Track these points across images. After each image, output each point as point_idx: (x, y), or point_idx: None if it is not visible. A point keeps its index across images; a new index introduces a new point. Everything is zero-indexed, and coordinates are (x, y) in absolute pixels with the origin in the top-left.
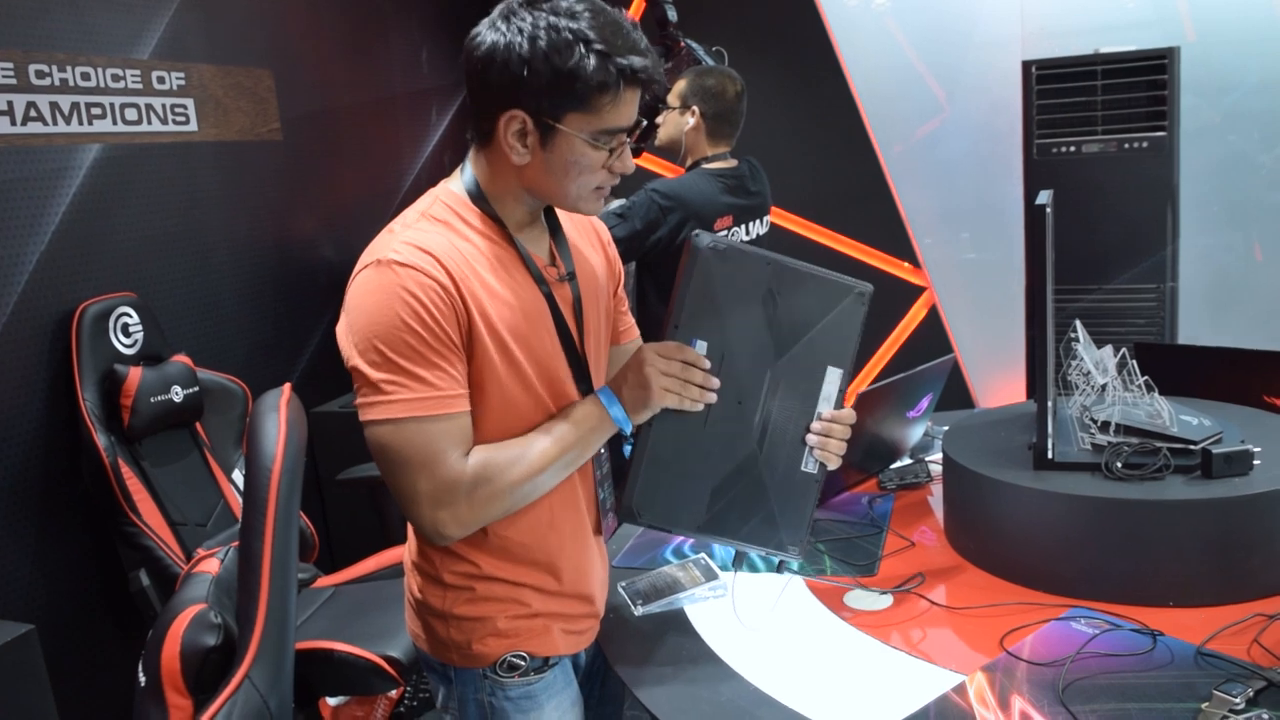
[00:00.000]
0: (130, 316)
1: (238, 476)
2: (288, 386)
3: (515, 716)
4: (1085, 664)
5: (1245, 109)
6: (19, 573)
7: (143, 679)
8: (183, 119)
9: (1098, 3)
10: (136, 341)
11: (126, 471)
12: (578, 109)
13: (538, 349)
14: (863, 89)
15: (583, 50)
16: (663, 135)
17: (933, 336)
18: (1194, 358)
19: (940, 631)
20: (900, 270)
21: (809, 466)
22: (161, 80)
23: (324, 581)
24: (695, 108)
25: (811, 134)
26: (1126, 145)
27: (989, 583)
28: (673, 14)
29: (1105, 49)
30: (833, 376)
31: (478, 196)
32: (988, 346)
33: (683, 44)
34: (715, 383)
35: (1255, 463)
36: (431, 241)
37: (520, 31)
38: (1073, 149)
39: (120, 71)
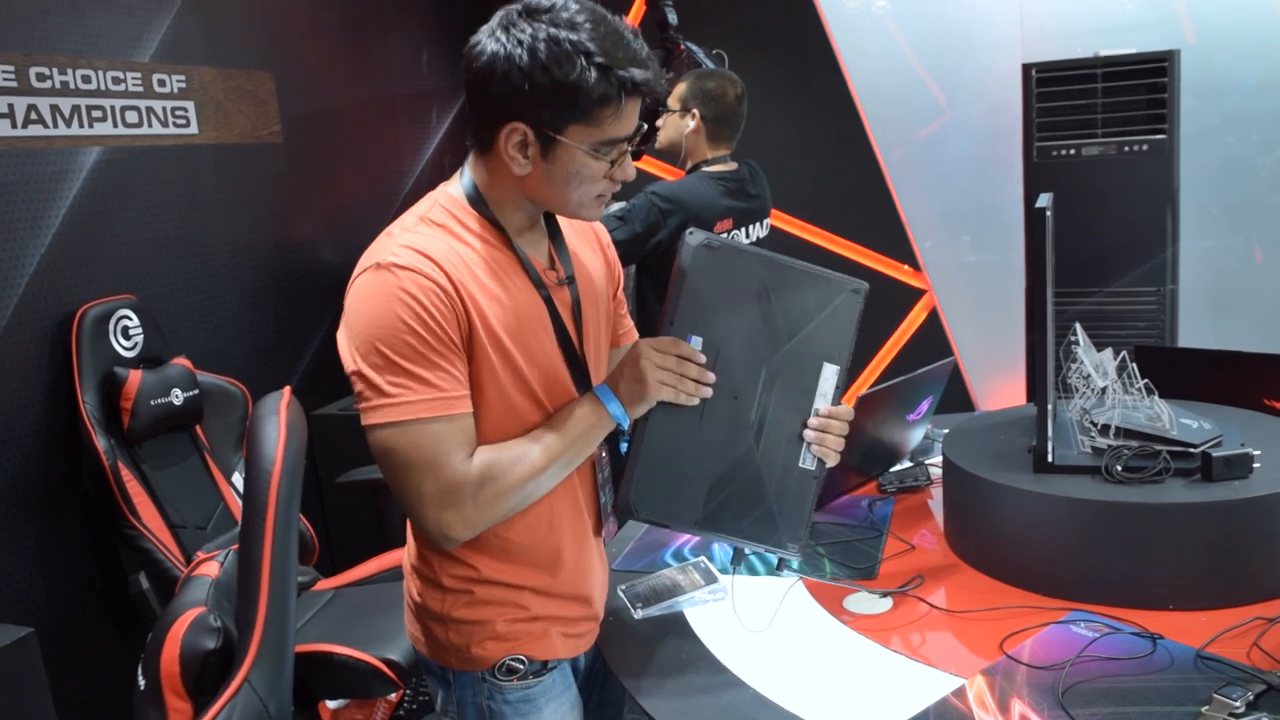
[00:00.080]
0: (130, 319)
1: (237, 479)
2: (288, 389)
3: None
4: (1085, 667)
5: (1245, 111)
6: (18, 575)
7: (142, 682)
8: (183, 122)
9: (1097, 5)
10: (137, 344)
11: (126, 474)
12: (579, 121)
13: (537, 353)
14: (863, 92)
15: (584, 63)
16: (663, 138)
17: (933, 339)
18: (1194, 361)
19: (940, 635)
20: (900, 273)
21: (807, 463)
22: (162, 83)
23: (324, 584)
24: (695, 111)
25: (812, 137)
26: (1126, 148)
27: (989, 586)
28: (673, 17)
29: (1105, 52)
30: (829, 373)
31: (477, 200)
32: (988, 349)
33: (683, 47)
34: (711, 377)
35: (1255, 466)
36: (430, 245)
37: (520, 43)
38: (1073, 152)
39: (121, 74)
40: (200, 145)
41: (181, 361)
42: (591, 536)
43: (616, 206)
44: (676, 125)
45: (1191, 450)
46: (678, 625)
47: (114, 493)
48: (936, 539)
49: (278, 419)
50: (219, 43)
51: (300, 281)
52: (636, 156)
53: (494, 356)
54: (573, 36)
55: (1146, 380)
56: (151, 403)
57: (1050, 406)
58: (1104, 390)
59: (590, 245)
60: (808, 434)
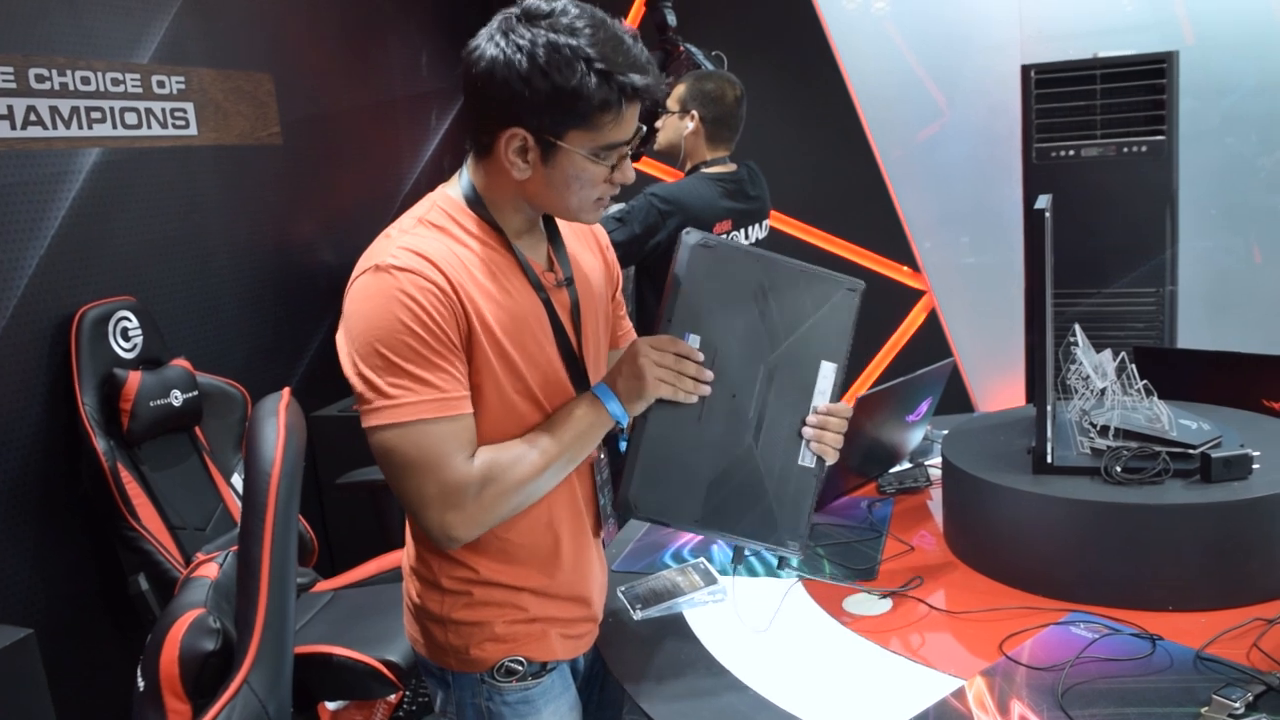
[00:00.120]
0: (130, 320)
1: (237, 481)
2: (287, 391)
3: None
4: (1084, 668)
5: (1244, 112)
6: (18, 577)
7: (141, 683)
8: (182, 123)
9: (1096, 7)
10: (136, 345)
11: (125, 476)
12: (579, 126)
13: (535, 354)
14: (862, 93)
15: (584, 69)
16: (662, 139)
17: (932, 340)
18: (1193, 362)
19: (939, 636)
20: (899, 274)
21: (806, 461)
22: (161, 84)
23: (323, 586)
24: (694, 112)
25: (811, 138)
26: (1126, 149)
27: (988, 587)
28: (672, 18)
29: (1104, 53)
30: (827, 370)
31: (475, 203)
32: (987, 350)
33: (682, 48)
34: (709, 375)
35: (1254, 467)
36: (428, 247)
37: (520, 49)
38: (1072, 153)
39: (120, 75)
40: (199, 147)
41: (181, 363)
42: (590, 537)
43: (615, 208)
44: (675, 127)
45: (1191, 451)
46: (677, 626)
47: (113, 494)
48: (936, 540)
49: (277, 420)
50: (218, 44)
51: (300, 283)
52: (635, 158)
53: (493, 358)
54: (572, 42)
55: (1145, 381)
56: (151, 404)
57: (1049, 408)
58: (1103, 391)
59: (589, 247)
60: (806, 431)
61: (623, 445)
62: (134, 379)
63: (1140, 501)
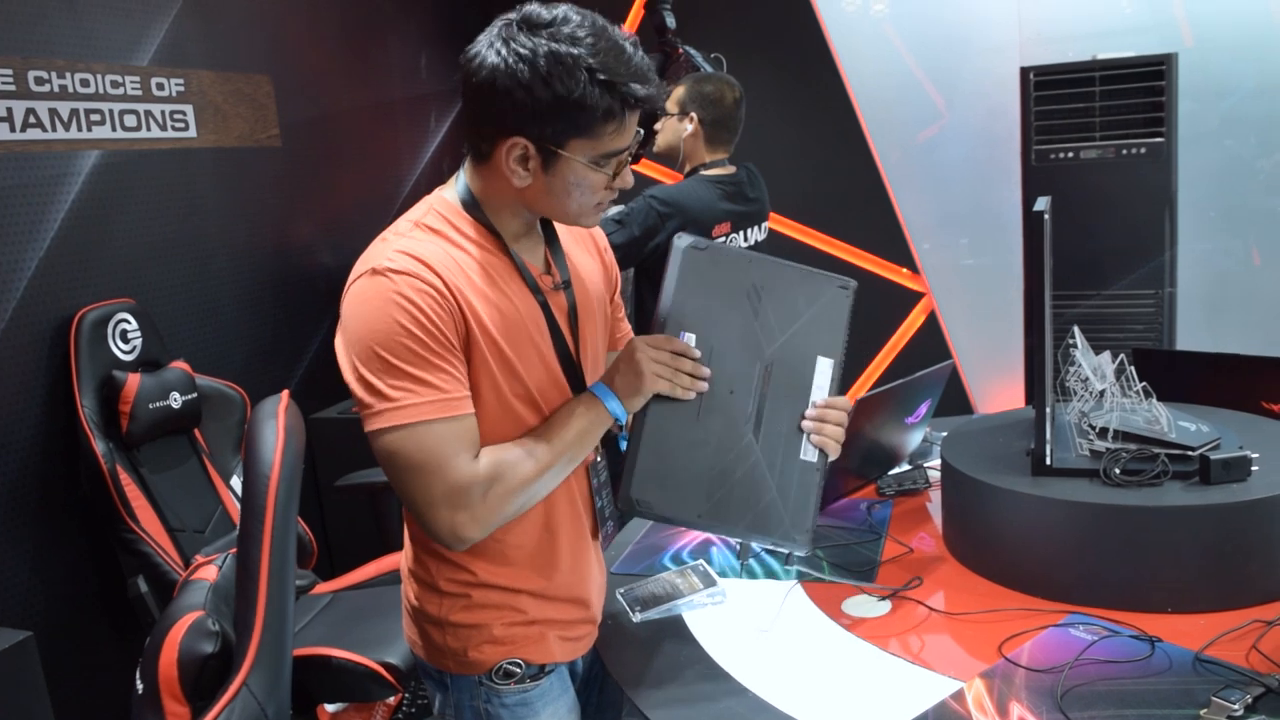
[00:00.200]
0: (129, 323)
1: (236, 483)
2: (286, 393)
3: None
4: (1084, 670)
5: (1243, 114)
6: (17, 579)
7: (140, 686)
8: (182, 125)
9: (1095, 9)
10: (135, 348)
11: (124, 478)
12: (581, 136)
13: (533, 357)
14: (861, 95)
15: (587, 80)
16: (661, 142)
17: (931, 342)
18: (1192, 363)
19: (938, 638)
20: (899, 276)
21: (808, 455)
22: (160, 86)
23: (322, 588)
24: (693, 114)
25: (810, 140)
26: (1125, 151)
27: (987, 589)
28: (671, 20)
29: (1103, 55)
30: (824, 366)
31: (472, 206)
32: (986, 352)
33: (681, 50)
34: (705, 371)
35: (1253, 469)
36: (425, 250)
37: (522, 58)
38: (1071, 155)
39: (119, 78)
40: (198, 149)
41: (180, 365)
42: (589, 539)
43: (614, 210)
44: (675, 129)
45: (1190, 453)
46: (676, 628)
47: (112, 496)
48: (935, 542)
49: (276, 423)
50: (217, 46)
51: (299, 285)
52: (634, 160)
53: (491, 360)
54: (574, 51)
55: (1144, 383)
56: (150, 406)
57: (1049, 409)
58: (1102, 393)
59: (587, 248)
60: (806, 424)
61: (623, 445)
62: (133, 381)
63: (1139, 503)
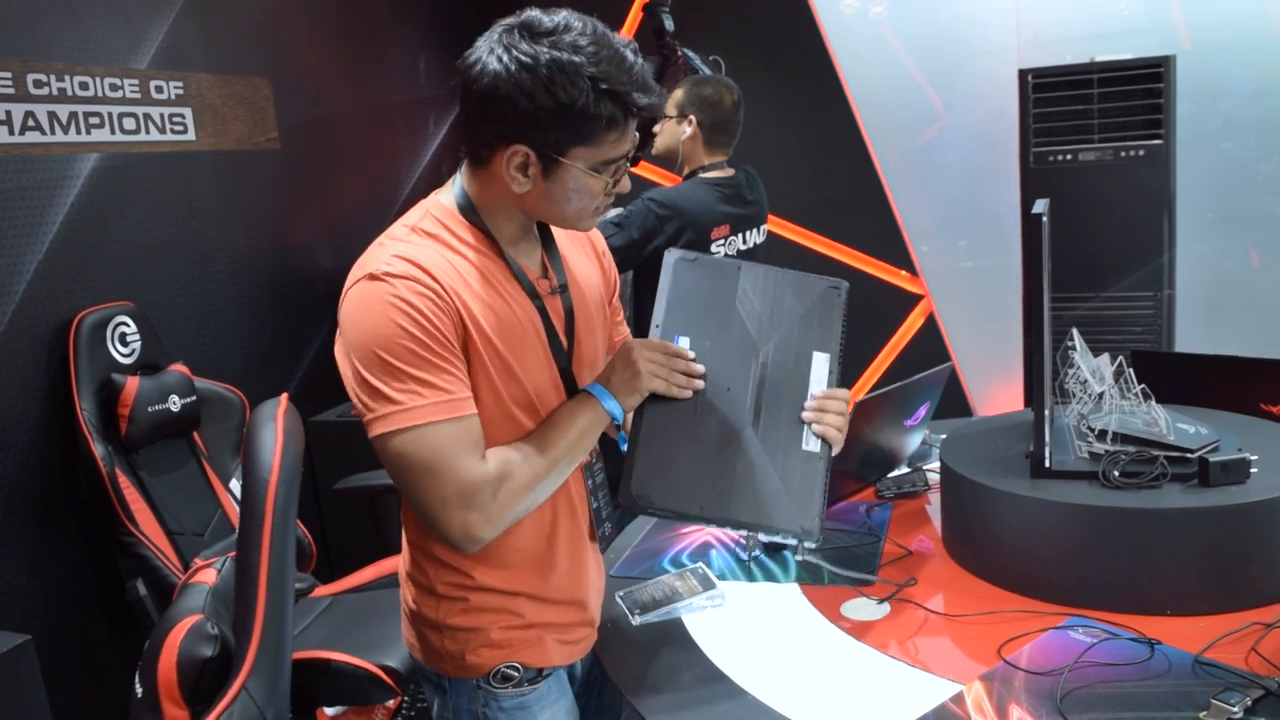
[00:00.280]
0: (128, 326)
1: (235, 486)
2: (285, 396)
3: None
4: (1083, 673)
5: (1241, 116)
6: (16, 582)
7: (139, 690)
8: (180, 128)
9: (1094, 11)
10: (134, 351)
11: (124, 481)
12: (582, 144)
13: (530, 361)
14: (860, 97)
15: (589, 89)
16: (660, 144)
17: (930, 344)
18: (1191, 366)
19: (938, 640)
20: (897, 278)
21: (810, 445)
22: (159, 89)
23: (321, 591)
24: (692, 117)
25: (809, 142)
26: (1123, 153)
27: (986, 591)
28: (669, 23)
29: (1101, 57)
30: (820, 360)
31: (468, 210)
32: (985, 354)
33: (679, 53)
34: (700, 369)
35: (1252, 471)
36: (422, 255)
37: (524, 66)
38: (1069, 157)
39: (118, 81)
40: (197, 152)
41: (179, 368)
42: (586, 541)
43: (613, 213)
44: (673, 131)
45: (1189, 455)
46: (675, 632)
47: (111, 499)
48: (934, 544)
49: (275, 426)
50: (216, 49)
51: (298, 288)
52: (633, 163)
53: (489, 364)
54: (577, 60)
55: (1143, 385)
56: (149, 409)
57: (1047, 412)
58: (1101, 395)
59: (585, 251)
60: (806, 415)
61: (623, 447)
62: (132, 384)
63: (1138, 506)
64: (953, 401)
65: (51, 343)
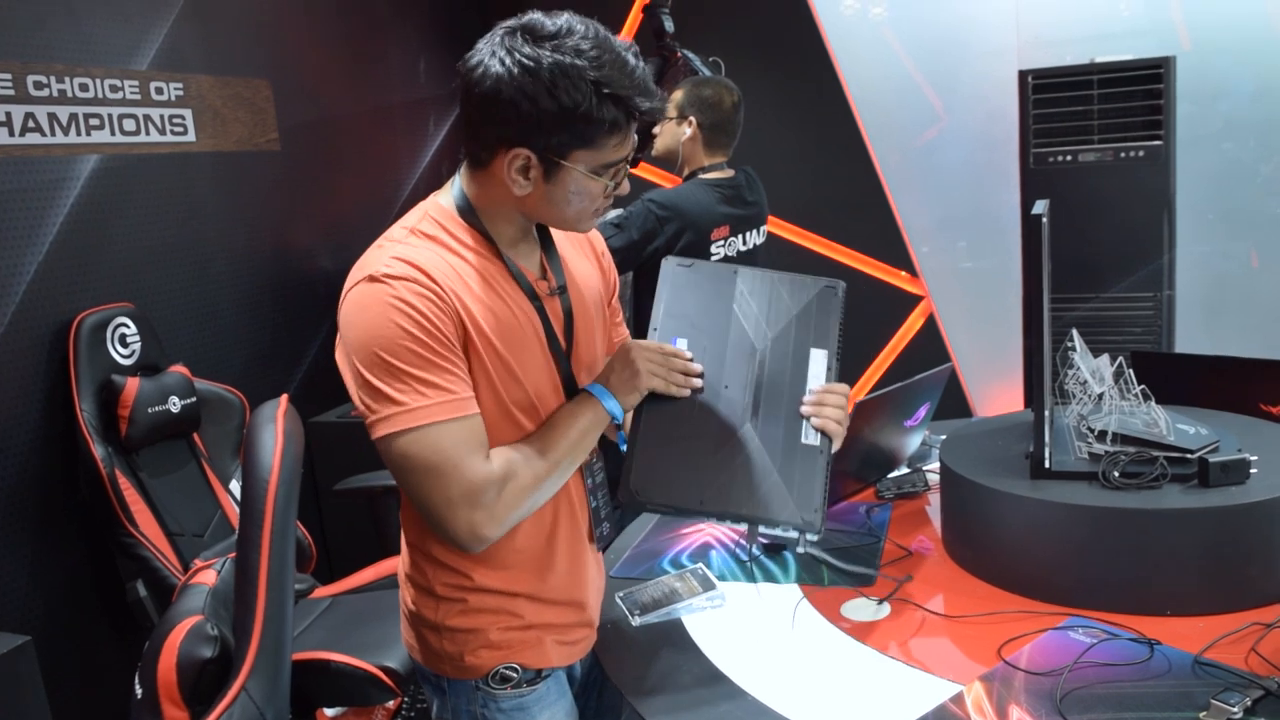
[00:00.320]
0: (128, 327)
1: (235, 487)
2: (285, 398)
3: None
4: (1083, 673)
5: (1241, 117)
6: (15, 584)
7: (139, 691)
8: (181, 129)
9: (1093, 12)
10: (134, 352)
11: (123, 482)
12: (584, 147)
13: (529, 362)
14: (859, 98)
15: (593, 94)
16: (659, 145)
17: (930, 345)
18: (1190, 366)
19: (938, 641)
20: (897, 279)
21: (810, 438)
22: (160, 91)
23: (321, 592)
24: (692, 118)
25: (808, 143)
26: (1123, 154)
27: (986, 592)
28: (669, 24)
29: (1101, 58)
30: (818, 356)
31: (467, 212)
32: (985, 355)
33: (679, 54)
34: (698, 368)
35: (1252, 471)
36: (421, 257)
37: (528, 70)
38: (1069, 158)
39: (118, 82)
40: (197, 153)
41: (179, 369)
42: (585, 541)
43: (613, 214)
44: (673, 133)
45: (1188, 456)
46: (675, 632)
47: (111, 500)
48: (934, 545)
49: (275, 427)
50: (216, 50)
51: (298, 289)
52: (633, 164)
53: (489, 365)
54: (579, 63)
55: (1143, 386)
56: (149, 410)
57: (1047, 412)
58: (1101, 396)
59: (584, 252)
60: (804, 409)
61: (623, 447)
62: (132, 385)
63: (1138, 506)
64: (952, 402)
65: (51, 344)
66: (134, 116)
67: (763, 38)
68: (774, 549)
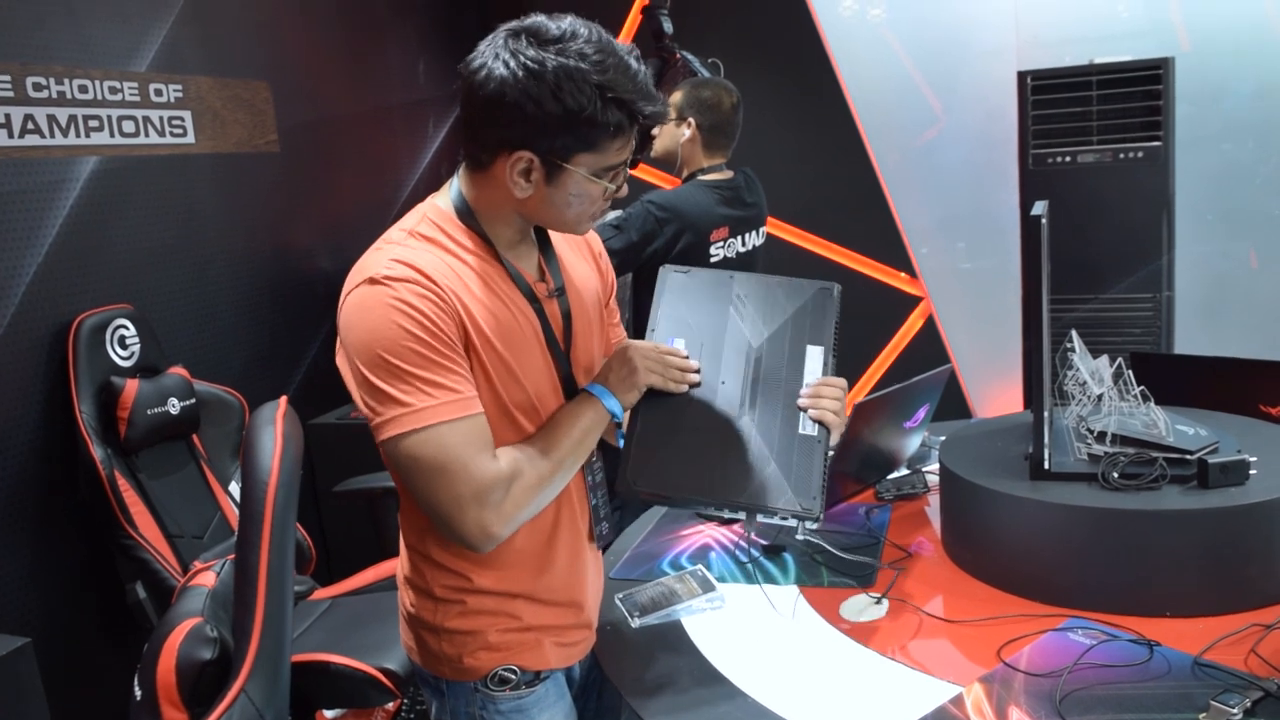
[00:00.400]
0: (127, 328)
1: (234, 489)
2: (284, 399)
3: None
4: (1082, 674)
5: (1240, 118)
6: (15, 585)
7: (138, 692)
8: (180, 131)
9: (1092, 13)
10: (133, 353)
11: (123, 484)
12: (587, 151)
13: (529, 364)
14: (859, 99)
15: (597, 98)
16: (659, 147)
17: (929, 346)
18: (1190, 367)
19: (937, 643)
20: (897, 280)
21: (808, 429)
22: (159, 92)
23: (321, 594)
24: (691, 119)
25: (808, 144)
26: (1122, 155)
27: (986, 593)
28: (668, 25)
29: (1100, 59)
30: (814, 353)
31: (465, 214)
32: (984, 356)
33: (678, 56)
34: (695, 364)
35: (1251, 472)
36: (420, 259)
37: (532, 72)
38: (1068, 159)
39: (118, 84)
40: (197, 154)
41: (178, 371)
42: (585, 540)
43: (612, 215)
44: (672, 134)
45: (1188, 457)
46: (675, 634)
47: (110, 502)
48: (934, 546)
49: (274, 429)
50: (216, 52)
51: (297, 290)
52: (632, 166)
53: (490, 367)
54: (583, 67)
55: (1142, 387)
56: (148, 412)
57: (1047, 413)
58: (1100, 397)
59: (582, 254)
60: (802, 402)
61: (622, 443)
62: (131, 387)
63: (1137, 507)
64: (952, 403)
65: (51, 345)
66: (133, 118)
67: (761, 39)
68: (773, 550)
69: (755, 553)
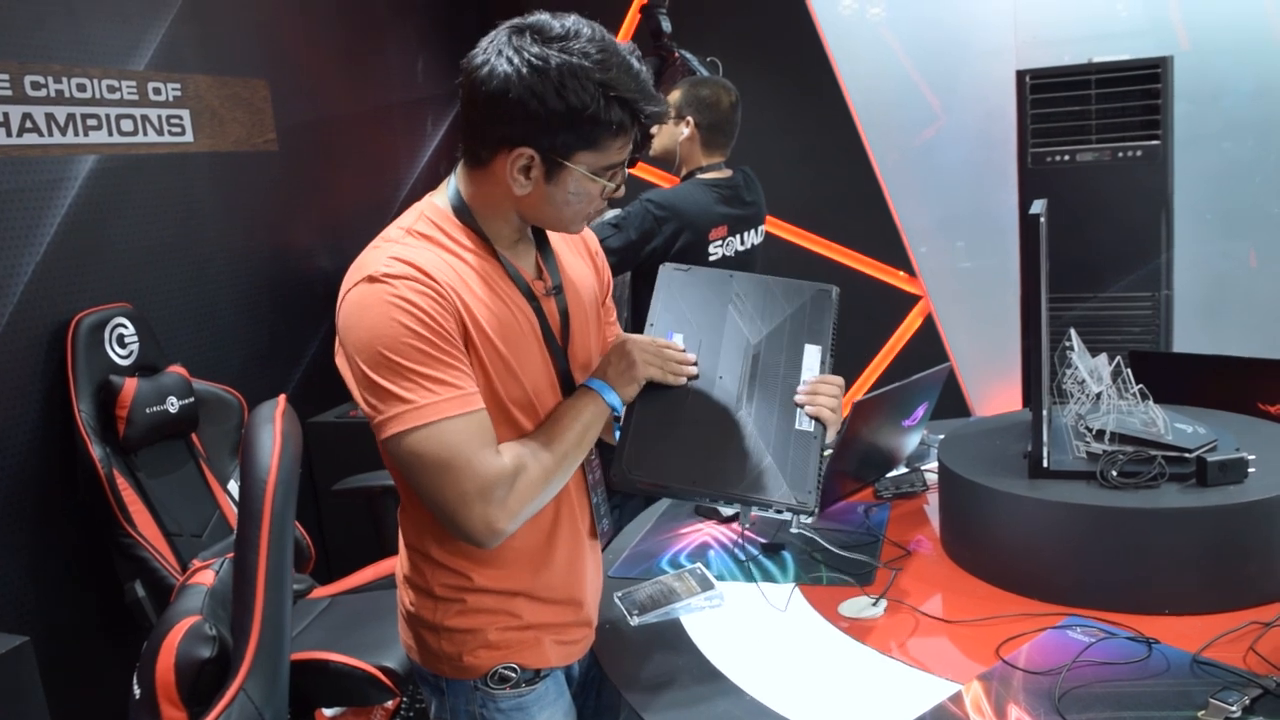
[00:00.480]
0: (126, 327)
1: (233, 487)
2: (283, 398)
3: None
4: (1081, 672)
5: (1239, 117)
6: (13, 583)
7: (137, 691)
8: (178, 130)
9: (1091, 12)
10: (132, 352)
11: (122, 482)
12: (588, 149)
13: (527, 361)
14: (858, 98)
15: (600, 96)
16: (657, 146)
17: (928, 345)
18: (1188, 366)
19: (936, 640)
20: (895, 279)
21: (804, 425)
22: (157, 91)
23: (320, 592)
24: (690, 118)
25: (807, 143)
26: (1121, 154)
27: (985, 591)
28: (667, 24)
29: (1099, 58)
30: (812, 351)
31: (463, 212)
32: (983, 355)
33: (677, 54)
34: (692, 358)
35: (1250, 471)
36: (419, 257)
37: (536, 70)
38: (1067, 158)
39: (116, 83)
40: (195, 153)
41: (177, 369)
42: (584, 538)
43: (611, 214)
44: (671, 133)
45: (1186, 455)
46: (673, 632)
47: (109, 501)
48: (933, 545)
49: (273, 427)
50: (214, 51)
51: (296, 289)
52: (630, 165)
53: (488, 363)
54: (587, 65)
55: (1141, 385)
56: (147, 411)
57: (1045, 412)
58: (1099, 395)
59: (579, 253)
60: (799, 398)
61: (618, 436)
62: (130, 386)
63: (1136, 505)
64: (951, 402)
65: (49, 344)
66: (132, 117)
67: (760, 37)
68: (772, 549)
69: (754, 551)
